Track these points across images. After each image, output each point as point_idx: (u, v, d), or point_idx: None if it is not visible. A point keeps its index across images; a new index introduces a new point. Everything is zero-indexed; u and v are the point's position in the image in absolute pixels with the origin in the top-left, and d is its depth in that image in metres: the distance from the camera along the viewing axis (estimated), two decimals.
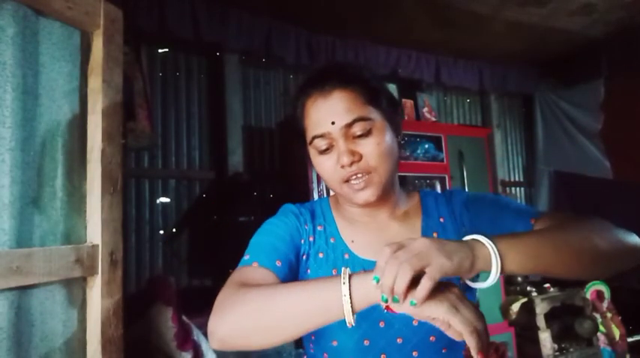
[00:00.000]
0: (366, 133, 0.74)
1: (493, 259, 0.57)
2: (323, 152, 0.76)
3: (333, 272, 0.78)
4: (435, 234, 0.81)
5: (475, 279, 0.62)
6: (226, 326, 0.62)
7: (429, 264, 0.52)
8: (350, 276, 0.57)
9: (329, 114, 0.74)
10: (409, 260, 0.52)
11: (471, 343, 0.52)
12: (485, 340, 0.54)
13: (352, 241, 0.82)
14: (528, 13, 3.07)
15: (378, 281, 0.54)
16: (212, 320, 0.65)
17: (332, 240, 0.82)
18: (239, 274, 0.71)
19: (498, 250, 0.57)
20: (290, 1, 2.76)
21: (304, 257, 0.81)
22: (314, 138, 0.76)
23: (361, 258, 0.79)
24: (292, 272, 0.77)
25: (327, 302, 0.57)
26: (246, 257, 0.75)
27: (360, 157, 0.74)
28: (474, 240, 0.59)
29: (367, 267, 0.77)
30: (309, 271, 0.80)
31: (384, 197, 0.80)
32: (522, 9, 3.00)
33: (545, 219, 0.73)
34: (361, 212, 0.83)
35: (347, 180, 0.75)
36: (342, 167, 0.74)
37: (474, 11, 2.97)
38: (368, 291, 0.56)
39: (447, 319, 0.53)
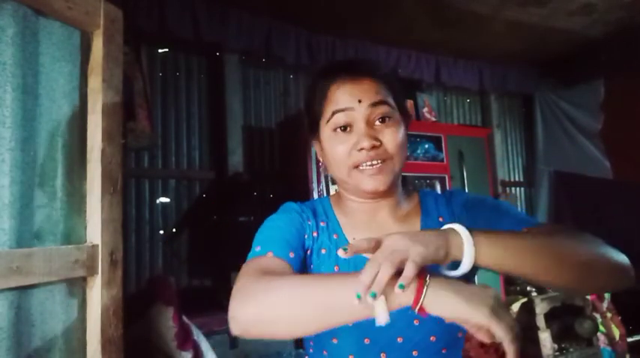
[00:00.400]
0: (387, 121, 0.75)
1: (466, 248, 0.58)
2: (341, 130, 0.76)
3: (335, 269, 0.77)
4: None
5: (454, 268, 0.61)
6: (250, 312, 0.60)
7: (407, 255, 0.54)
8: None
9: (356, 94, 0.75)
10: (387, 258, 0.53)
11: (511, 351, 0.53)
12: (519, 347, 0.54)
13: (354, 238, 0.81)
14: (528, 13, 3.07)
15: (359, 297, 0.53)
16: (234, 307, 0.62)
17: (335, 237, 0.81)
18: (255, 263, 0.70)
19: (474, 240, 0.58)
20: (290, 1, 2.76)
21: (308, 252, 0.80)
22: (334, 112, 0.75)
23: (363, 256, 0.79)
24: (302, 266, 0.77)
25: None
26: (257, 248, 0.74)
27: (381, 144, 0.74)
28: (451, 228, 0.60)
29: None
30: (312, 267, 0.79)
31: (388, 192, 0.80)
32: (522, 9, 3.00)
33: (539, 228, 0.73)
34: (362, 209, 0.83)
35: (357, 166, 0.75)
36: (360, 150, 0.73)
37: (474, 11, 2.97)
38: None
39: (489, 325, 0.52)
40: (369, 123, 0.74)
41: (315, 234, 0.81)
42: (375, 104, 0.74)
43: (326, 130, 0.78)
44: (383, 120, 0.75)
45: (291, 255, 0.72)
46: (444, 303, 0.53)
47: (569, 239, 0.65)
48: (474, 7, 2.92)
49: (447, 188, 2.99)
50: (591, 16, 3.17)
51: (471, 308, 0.52)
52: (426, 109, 3.26)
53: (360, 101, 0.74)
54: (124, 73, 1.19)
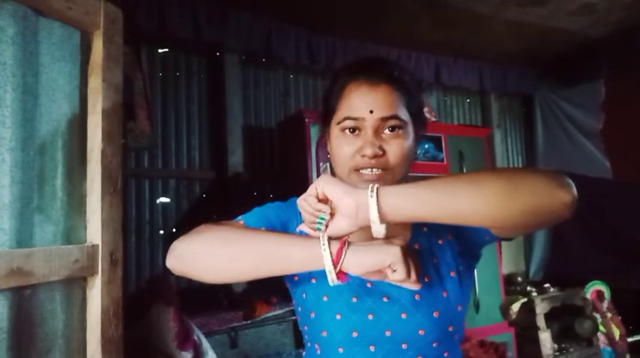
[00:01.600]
0: (396, 133, 0.75)
1: (371, 202, 0.60)
2: (348, 136, 0.76)
3: (324, 299, 0.77)
4: (424, 229, 0.82)
5: None
6: (188, 246, 0.69)
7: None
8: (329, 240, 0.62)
9: (370, 102, 0.75)
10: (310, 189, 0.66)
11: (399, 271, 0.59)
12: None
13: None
14: (528, 13, 3.07)
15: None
16: (178, 241, 0.70)
17: None
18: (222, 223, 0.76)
19: (377, 193, 0.60)
20: (290, 1, 2.76)
21: (295, 278, 0.81)
22: (346, 118, 0.76)
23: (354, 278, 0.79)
24: None
25: (306, 252, 0.62)
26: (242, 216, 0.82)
27: (384, 153, 0.74)
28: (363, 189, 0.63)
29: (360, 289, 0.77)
30: (304, 295, 0.79)
31: None
32: (522, 9, 3.00)
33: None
34: None
35: (357, 169, 0.75)
36: (363, 156, 0.74)
37: (473, 11, 2.97)
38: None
39: (395, 264, 0.59)
40: (377, 132, 0.75)
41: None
42: (384, 119, 0.74)
43: (335, 129, 0.79)
44: (392, 129, 0.75)
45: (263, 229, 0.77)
46: (361, 259, 0.60)
47: (494, 173, 0.64)
48: (474, 7, 2.92)
49: None
50: (591, 16, 3.17)
51: (381, 254, 0.59)
52: (425, 109, 3.25)
53: (371, 111, 0.74)
54: (124, 73, 1.19)
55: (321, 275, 0.75)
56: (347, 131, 0.76)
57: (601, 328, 2.87)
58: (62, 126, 1.04)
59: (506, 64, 3.99)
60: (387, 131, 0.75)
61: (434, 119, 3.27)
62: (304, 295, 0.79)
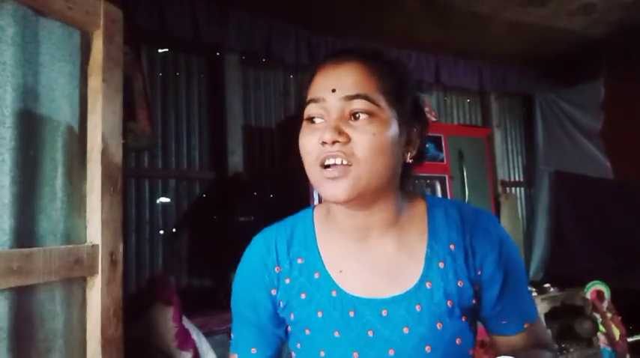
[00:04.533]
0: (365, 118, 0.62)
1: None
2: (311, 121, 0.66)
3: (319, 315, 0.69)
4: (441, 265, 0.68)
5: None
6: None
7: None
8: None
9: (333, 82, 0.64)
10: None
11: None
12: None
13: (340, 272, 0.70)
14: (528, 13, 3.07)
15: None
16: None
17: (316, 276, 0.71)
18: None
19: None
20: (290, 1, 2.76)
21: (281, 304, 0.73)
22: (308, 102, 0.66)
23: (351, 295, 0.68)
24: (274, 337, 0.77)
25: None
26: (232, 335, 0.80)
27: (348, 140, 0.61)
28: None
29: (358, 305, 0.68)
30: (292, 316, 0.72)
31: (370, 207, 0.67)
32: (522, 9, 3.00)
33: (532, 330, 0.74)
34: (351, 225, 0.70)
35: (324, 165, 0.63)
36: (323, 144, 0.62)
37: (474, 11, 2.97)
38: None
39: None
40: (343, 117, 0.63)
41: (287, 281, 0.72)
42: (348, 97, 0.62)
43: (303, 123, 0.68)
44: (360, 113, 0.62)
45: (253, 350, 0.75)
46: None
47: None
48: (474, 7, 2.92)
49: (447, 188, 2.99)
50: (591, 16, 3.16)
51: None
52: (426, 109, 3.25)
53: (333, 90, 0.63)
54: (124, 73, 1.19)
55: (316, 326, 0.70)
56: (311, 119, 0.65)
57: (601, 328, 2.87)
58: (62, 126, 1.04)
59: (506, 64, 3.99)
60: (355, 114, 0.62)
61: (434, 119, 3.27)
62: (299, 345, 0.74)
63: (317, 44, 3.15)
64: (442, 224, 0.71)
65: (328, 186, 0.63)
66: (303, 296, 0.70)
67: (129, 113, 2.10)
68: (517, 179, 4.35)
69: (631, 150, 3.48)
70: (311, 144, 0.65)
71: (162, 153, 2.75)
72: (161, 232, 2.70)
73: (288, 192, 2.79)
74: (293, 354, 0.76)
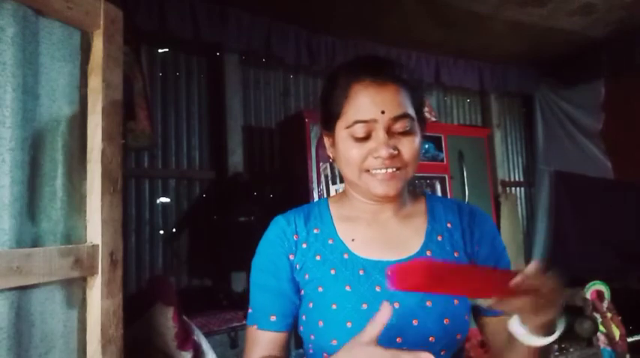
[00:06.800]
0: (407, 131, 0.75)
1: None
2: (358, 139, 0.75)
3: (332, 272, 0.78)
4: (439, 238, 0.82)
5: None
6: None
7: None
8: None
9: (380, 103, 0.74)
10: None
11: None
12: None
13: (352, 240, 0.81)
14: (528, 13, 3.07)
15: None
16: None
17: (330, 242, 0.82)
18: (250, 342, 0.80)
19: None
20: (290, 1, 2.76)
21: (297, 266, 0.81)
22: (356, 122, 0.75)
23: (361, 258, 0.79)
24: (291, 305, 0.81)
25: None
26: (249, 310, 0.82)
27: (398, 153, 0.75)
28: None
29: (367, 266, 0.78)
30: (307, 276, 0.80)
31: (397, 196, 0.81)
32: (522, 9, 3.00)
33: None
34: (366, 209, 0.83)
35: (368, 170, 0.76)
36: (377, 158, 0.74)
37: (473, 11, 2.97)
38: None
39: None
40: (390, 132, 0.75)
41: (304, 246, 0.82)
42: (396, 118, 0.74)
43: (343, 133, 0.77)
44: (404, 128, 0.75)
45: (273, 318, 0.79)
46: None
47: None
48: (474, 7, 2.92)
49: (447, 188, 2.99)
50: (591, 16, 3.17)
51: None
52: (426, 109, 3.24)
53: (383, 112, 0.73)
54: (124, 73, 1.19)
55: (328, 282, 0.77)
56: (357, 134, 0.75)
57: (601, 328, 2.87)
58: (62, 126, 1.04)
59: (506, 64, 3.99)
60: (399, 130, 0.75)
61: (434, 119, 3.27)
62: (310, 304, 0.78)
63: (317, 44, 3.15)
64: (440, 210, 0.86)
65: (382, 186, 0.75)
66: (318, 258, 0.80)
67: (129, 113, 2.10)
68: (517, 179, 4.35)
69: (631, 150, 3.48)
70: (358, 157, 0.76)
71: (162, 153, 2.75)
72: (161, 232, 2.70)
73: (288, 192, 2.79)
74: (303, 317, 0.80)
